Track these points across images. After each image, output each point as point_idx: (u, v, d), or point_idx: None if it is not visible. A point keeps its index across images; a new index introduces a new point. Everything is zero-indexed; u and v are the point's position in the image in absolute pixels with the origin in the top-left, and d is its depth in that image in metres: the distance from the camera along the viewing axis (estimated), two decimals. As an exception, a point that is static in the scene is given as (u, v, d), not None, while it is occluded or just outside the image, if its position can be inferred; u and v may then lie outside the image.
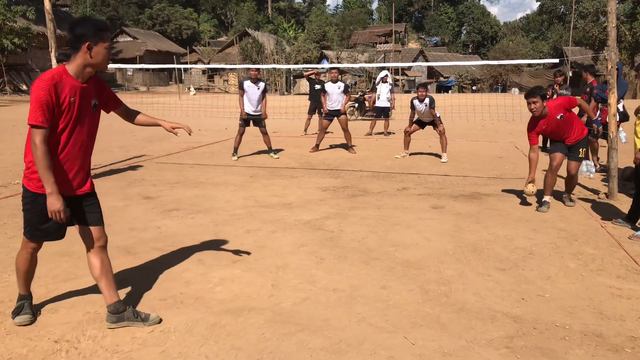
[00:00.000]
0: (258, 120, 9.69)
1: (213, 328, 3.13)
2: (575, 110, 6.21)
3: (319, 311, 3.38)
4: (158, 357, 2.81)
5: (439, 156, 9.96)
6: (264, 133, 9.85)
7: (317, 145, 10.95)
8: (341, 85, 10.60)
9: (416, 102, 9.79)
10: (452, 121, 14.92)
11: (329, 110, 10.73)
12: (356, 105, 18.68)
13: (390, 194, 6.79)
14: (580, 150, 6.14)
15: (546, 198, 6.05)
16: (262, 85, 9.68)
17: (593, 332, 3.10)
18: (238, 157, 9.76)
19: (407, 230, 5.18)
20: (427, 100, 9.66)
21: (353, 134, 11.44)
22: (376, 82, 14.65)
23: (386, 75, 14.29)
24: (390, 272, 4.06)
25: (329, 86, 10.64)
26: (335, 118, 10.69)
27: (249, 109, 9.60)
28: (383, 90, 13.96)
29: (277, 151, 10.29)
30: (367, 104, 18.56)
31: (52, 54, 7.56)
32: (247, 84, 9.55)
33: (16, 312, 3.19)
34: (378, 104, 14.11)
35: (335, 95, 10.60)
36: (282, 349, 2.89)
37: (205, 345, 2.93)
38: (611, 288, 3.77)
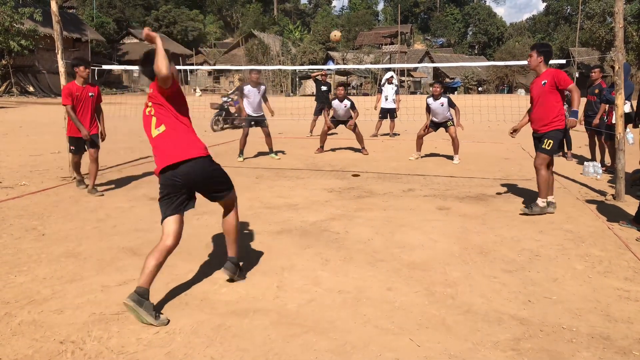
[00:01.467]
0: (261, 121, 9.74)
1: (218, 329, 3.13)
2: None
3: (325, 313, 3.37)
4: (163, 358, 2.80)
5: (448, 157, 9.93)
6: (267, 134, 9.90)
7: (322, 147, 10.96)
8: (347, 103, 10.60)
9: (430, 100, 9.63)
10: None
11: (335, 120, 10.95)
12: (222, 114, 15.96)
13: (396, 196, 6.77)
14: (547, 141, 5.73)
15: (550, 198, 5.96)
16: (262, 88, 9.74)
17: (600, 334, 3.08)
18: (244, 159, 9.79)
19: (413, 232, 5.16)
20: (443, 100, 9.48)
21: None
22: (382, 83, 14.63)
23: (392, 77, 14.27)
24: (396, 274, 4.04)
25: (335, 103, 10.70)
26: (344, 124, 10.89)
27: (250, 111, 9.66)
28: (389, 91, 13.94)
29: (277, 152, 10.30)
30: (232, 110, 16.23)
31: (59, 56, 7.59)
32: (248, 89, 9.60)
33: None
34: (384, 105, 14.07)
35: (341, 111, 10.72)
36: (287, 351, 2.88)
37: (210, 347, 2.93)
38: (619, 290, 3.74)
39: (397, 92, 14.14)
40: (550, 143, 5.72)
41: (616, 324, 3.22)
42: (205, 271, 4.09)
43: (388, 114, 14.08)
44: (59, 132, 11.93)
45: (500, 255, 4.49)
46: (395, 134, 14.33)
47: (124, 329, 3.12)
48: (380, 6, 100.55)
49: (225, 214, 3.84)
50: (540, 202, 5.81)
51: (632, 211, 5.67)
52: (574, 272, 4.10)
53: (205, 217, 5.62)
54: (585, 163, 8.54)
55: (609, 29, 42.70)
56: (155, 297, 3.59)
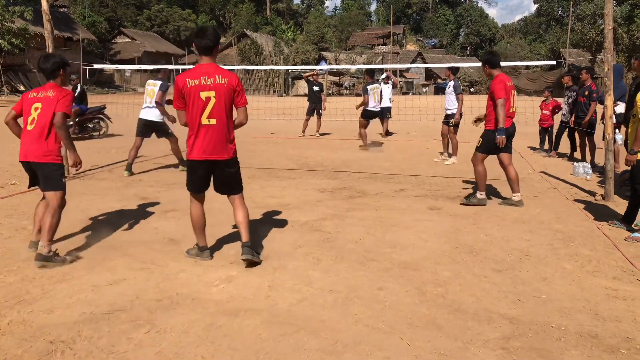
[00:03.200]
0: None
1: (209, 329, 3.13)
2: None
3: (316, 312, 3.38)
4: (154, 358, 2.80)
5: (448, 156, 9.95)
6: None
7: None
8: (390, 83, 11.10)
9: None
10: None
11: (372, 110, 11.48)
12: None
13: (388, 196, 6.79)
14: (479, 139, 6.30)
15: (517, 196, 6.24)
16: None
17: (589, 333, 3.11)
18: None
19: (404, 232, 5.18)
20: (452, 83, 9.48)
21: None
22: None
23: (387, 77, 14.34)
24: (387, 273, 4.06)
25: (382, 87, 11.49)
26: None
27: None
28: (385, 91, 14.01)
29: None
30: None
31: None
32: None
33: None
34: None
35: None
36: (278, 350, 2.89)
37: (201, 346, 2.93)
38: (607, 289, 3.77)
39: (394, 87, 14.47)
40: (480, 141, 6.25)
41: (604, 322, 3.25)
42: (196, 271, 4.09)
43: (382, 113, 14.12)
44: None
45: (490, 254, 4.51)
46: (390, 133, 14.36)
47: (114, 329, 3.11)
48: (373, 7, 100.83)
49: (234, 208, 4.33)
50: (479, 194, 6.25)
51: (621, 211, 5.72)
52: (563, 271, 4.13)
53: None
54: (575, 164, 8.61)
55: (600, 31, 43.01)
56: (145, 296, 3.59)
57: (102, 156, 9.81)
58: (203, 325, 3.18)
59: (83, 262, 4.26)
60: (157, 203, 6.28)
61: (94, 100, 28.20)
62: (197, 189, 4.22)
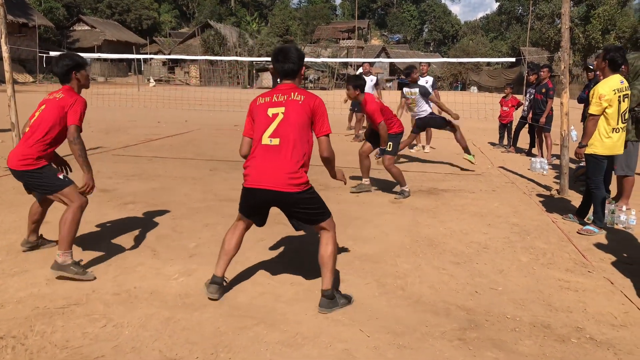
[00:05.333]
0: None
1: (167, 322, 3.09)
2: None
3: (276, 305, 3.37)
4: (110, 352, 2.75)
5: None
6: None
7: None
8: (373, 78, 10.59)
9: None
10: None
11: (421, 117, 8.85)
12: None
13: (350, 189, 6.82)
14: (388, 143, 6.54)
15: (405, 187, 6.57)
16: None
17: (542, 323, 3.20)
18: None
19: (366, 225, 5.22)
20: (428, 79, 9.17)
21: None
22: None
23: (368, 72, 13.77)
24: (348, 266, 4.08)
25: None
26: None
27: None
28: (367, 84, 13.50)
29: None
30: None
31: (2, 41, 7.27)
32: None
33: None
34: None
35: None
36: (237, 343, 2.87)
37: (159, 340, 2.88)
38: (560, 281, 3.89)
39: (376, 85, 12.38)
40: (390, 145, 6.53)
41: (557, 313, 3.36)
42: (155, 264, 4.02)
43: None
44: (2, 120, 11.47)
45: (449, 247, 4.60)
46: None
47: (69, 323, 3.03)
48: (338, 0, 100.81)
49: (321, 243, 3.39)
50: (406, 187, 6.54)
51: (576, 205, 5.91)
52: (519, 264, 4.24)
53: (156, 210, 5.53)
54: (532, 159, 8.84)
55: (558, 30, 44.17)
56: (102, 290, 3.51)
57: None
58: (161, 319, 3.13)
59: (37, 254, 4.13)
60: (116, 195, 6.15)
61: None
62: (246, 212, 3.43)
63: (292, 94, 3.29)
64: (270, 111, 3.26)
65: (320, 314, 3.24)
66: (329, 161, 3.46)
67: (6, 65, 7.31)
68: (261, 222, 3.49)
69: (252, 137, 3.33)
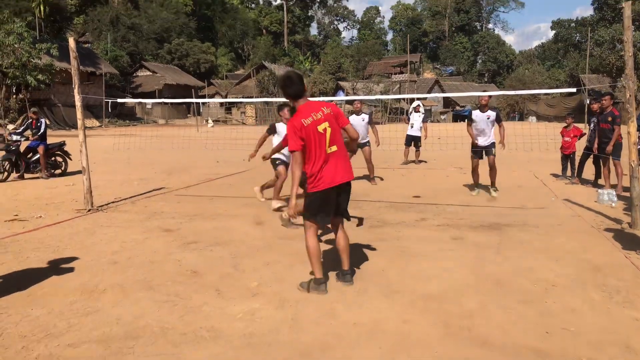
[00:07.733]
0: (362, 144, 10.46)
1: (233, 363, 3.11)
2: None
3: (340, 346, 3.34)
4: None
5: (464, 186, 9.88)
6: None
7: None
8: (365, 116, 10.51)
9: (476, 113, 8.70)
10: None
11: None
12: (11, 159, 11.28)
13: (409, 225, 6.75)
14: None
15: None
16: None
17: (621, 367, 3.03)
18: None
19: (427, 262, 5.13)
20: (490, 113, 8.60)
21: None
22: (409, 111, 15.09)
23: (418, 105, 14.55)
24: (411, 306, 4.01)
25: (352, 119, 10.12)
26: (360, 149, 10.14)
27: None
28: (416, 119, 14.19)
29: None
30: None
31: (76, 90, 7.76)
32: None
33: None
34: (410, 132, 14.26)
35: (359, 128, 9.92)
36: (303, 385, 2.86)
37: (226, 381, 2.91)
38: (637, 321, 3.68)
39: (424, 120, 14.59)
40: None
41: (636, 356, 3.17)
42: (219, 304, 4.08)
43: (413, 141, 14.24)
44: (72, 164, 12.12)
45: (516, 285, 4.44)
46: (421, 161, 14.42)
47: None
48: (389, 36, 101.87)
49: (337, 232, 4.59)
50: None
51: (649, 239, 5.60)
52: (592, 302, 4.04)
53: (218, 249, 5.65)
54: (600, 191, 8.47)
55: (619, 56, 42.79)
56: (169, 330, 3.59)
57: (124, 188, 9.94)
58: (227, 358, 3.17)
59: (107, 295, 4.29)
60: (180, 235, 6.33)
61: (115, 132, 28.85)
62: (327, 217, 4.39)
63: (323, 109, 4.25)
64: (320, 128, 4.17)
65: (384, 356, 3.19)
66: (356, 139, 4.60)
67: (79, 114, 7.78)
68: (327, 220, 4.42)
69: (305, 150, 4.16)
